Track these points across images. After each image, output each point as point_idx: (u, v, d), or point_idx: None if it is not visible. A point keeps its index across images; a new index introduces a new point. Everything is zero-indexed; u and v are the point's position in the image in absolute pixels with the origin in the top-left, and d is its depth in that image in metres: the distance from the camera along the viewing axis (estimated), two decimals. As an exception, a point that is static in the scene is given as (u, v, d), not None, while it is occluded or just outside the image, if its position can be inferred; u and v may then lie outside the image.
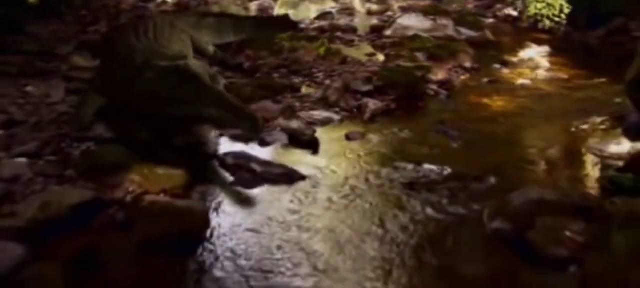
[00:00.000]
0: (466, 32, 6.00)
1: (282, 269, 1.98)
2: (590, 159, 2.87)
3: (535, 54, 5.37)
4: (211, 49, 4.66)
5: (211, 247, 2.12)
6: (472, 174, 2.65)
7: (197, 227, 2.21)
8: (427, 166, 2.77)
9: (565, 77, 4.61)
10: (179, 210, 2.28)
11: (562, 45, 5.72)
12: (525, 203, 2.20)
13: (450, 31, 5.87)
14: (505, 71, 4.78)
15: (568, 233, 2.03)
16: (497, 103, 3.95)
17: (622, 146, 3.00)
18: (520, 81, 4.50)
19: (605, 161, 2.85)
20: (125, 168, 2.54)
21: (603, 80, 4.35)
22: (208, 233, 2.20)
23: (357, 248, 2.10)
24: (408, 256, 2.06)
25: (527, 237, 2.08)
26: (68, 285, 1.90)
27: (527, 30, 6.44)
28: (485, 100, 4.00)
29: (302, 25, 5.97)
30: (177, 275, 1.96)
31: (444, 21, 6.07)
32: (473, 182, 2.59)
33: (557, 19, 5.89)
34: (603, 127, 3.33)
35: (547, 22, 6.05)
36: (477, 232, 2.21)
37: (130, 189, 2.42)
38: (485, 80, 4.48)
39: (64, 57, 4.46)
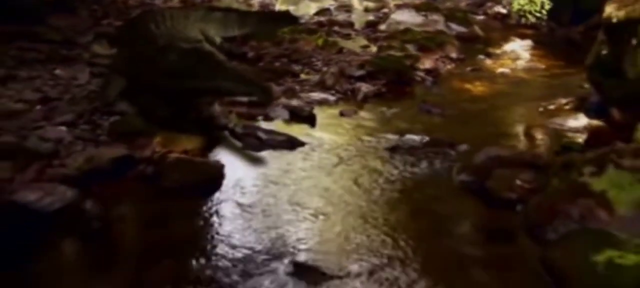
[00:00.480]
0: (456, 28, 6.49)
1: (281, 211, 2.46)
2: (550, 131, 3.35)
3: (518, 47, 5.87)
4: (218, 40, 5.15)
5: (223, 193, 2.60)
6: (446, 141, 3.14)
7: (212, 178, 2.70)
8: (409, 136, 3.26)
9: (543, 66, 5.11)
10: (197, 165, 2.78)
11: (544, 39, 6.22)
12: (485, 159, 2.69)
13: (441, 26, 6.36)
14: (488, 61, 5.28)
15: (518, 182, 2.51)
16: (477, 88, 4.44)
17: (580, 122, 3.50)
18: (501, 70, 4.99)
19: (563, 133, 3.34)
20: (150, 133, 3.03)
21: (576, 69, 4.83)
22: (222, 183, 2.69)
23: (346, 196, 2.58)
24: (388, 201, 2.55)
25: (486, 185, 2.56)
26: (108, 220, 2.37)
27: (515, 26, 6.94)
28: (467, 86, 4.49)
29: (302, 21, 6.46)
30: (195, 212, 2.44)
31: (435, 17, 6.56)
32: (447, 147, 3.07)
33: (538, 15, 6.38)
34: (567, 107, 3.82)
35: (530, 18, 6.55)
36: (447, 183, 2.69)
37: (156, 149, 2.91)
38: (468, 69, 4.98)
39: (84, 46, 4.96)
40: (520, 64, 5.22)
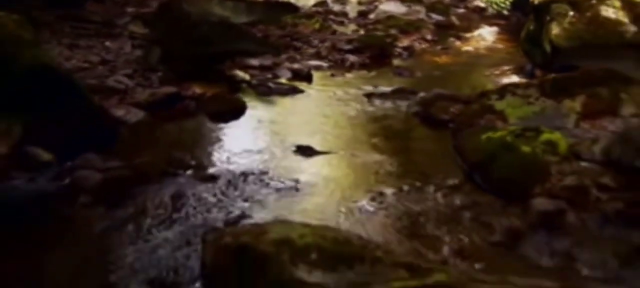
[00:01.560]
0: (435, 17, 7.76)
1: (287, 125, 3.68)
2: (487, 85, 4.58)
3: (486, 32, 7.12)
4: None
5: (246, 117, 3.83)
6: (409, 90, 4.37)
7: (238, 108, 3.92)
8: (381, 87, 4.50)
9: (501, 46, 6.35)
10: (227, 100, 4.01)
11: (510, 27, 7.45)
12: (431, 96, 3.93)
13: (422, 16, 7.63)
14: (457, 43, 6.53)
15: (451, 109, 3.74)
16: (443, 60, 5.69)
17: (512, 80, 4.73)
18: (466, 48, 6.25)
19: (498, 86, 4.56)
20: (190, 81, 4.25)
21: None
22: (245, 111, 3.91)
23: (332, 118, 3.82)
24: (362, 121, 3.78)
25: (429, 112, 3.80)
26: (166, 130, 3.59)
27: (489, 17, 8.19)
28: (435, 58, 5.74)
29: (302, 10, 7.71)
30: (229, 127, 3.66)
31: (417, 8, 7.84)
32: (408, 93, 4.30)
33: (503, 6, 7.65)
34: (508, 71, 5.06)
35: (499, 9, 7.82)
36: (404, 112, 3.92)
37: (196, 91, 4.13)
38: (439, 47, 6.23)
39: (122, 25, 6.20)
40: (483, 44, 6.47)
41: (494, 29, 7.33)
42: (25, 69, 2.97)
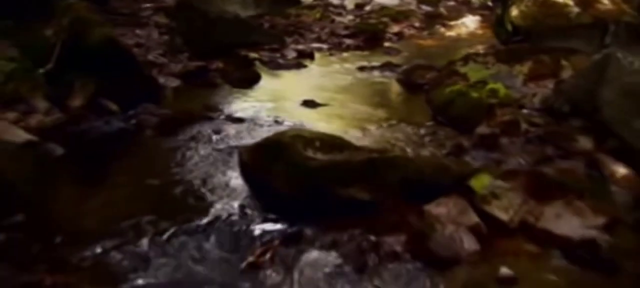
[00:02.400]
0: (425, 8, 8.76)
1: (294, 88, 4.67)
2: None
3: (469, 21, 8.10)
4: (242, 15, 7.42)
5: (261, 83, 4.82)
6: (395, 64, 5.36)
7: (254, 77, 4.92)
8: (372, 63, 5.49)
9: (480, 32, 7.34)
10: (246, 71, 5.01)
11: (491, 17, 8.43)
12: (411, 66, 4.93)
13: (413, 6, 8.63)
14: (442, 29, 7.52)
15: (427, 76, 4.73)
16: (428, 43, 6.68)
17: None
18: (449, 34, 7.24)
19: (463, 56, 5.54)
20: (214, 58, 5.24)
21: (502, 32, 7.06)
22: (260, 80, 4.91)
23: (331, 84, 4.81)
24: (354, 86, 4.77)
25: (409, 79, 4.78)
26: (198, 92, 4.57)
27: (475, 9, 9.18)
28: (420, 42, 6.73)
29: (304, 3, 8.72)
30: (250, 89, 4.65)
31: (409, 0, 8.84)
32: (394, 66, 5.29)
33: (484, -2, 8.66)
34: (482, 51, 6.03)
35: (485, 1, 8.82)
36: (390, 80, 4.91)
37: (219, 65, 5.12)
38: (425, 33, 7.23)
39: (147, 17, 7.21)
40: (465, 30, 7.46)
41: (477, 18, 8.30)
42: (95, 42, 3.98)
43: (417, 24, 7.58)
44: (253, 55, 5.71)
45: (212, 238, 2.35)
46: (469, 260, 2.24)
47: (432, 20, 8.03)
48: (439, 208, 2.47)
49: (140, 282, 2.05)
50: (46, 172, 2.98)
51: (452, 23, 7.92)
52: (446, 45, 6.50)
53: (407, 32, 7.24)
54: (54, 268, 2.12)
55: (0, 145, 3.09)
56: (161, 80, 4.59)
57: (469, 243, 2.31)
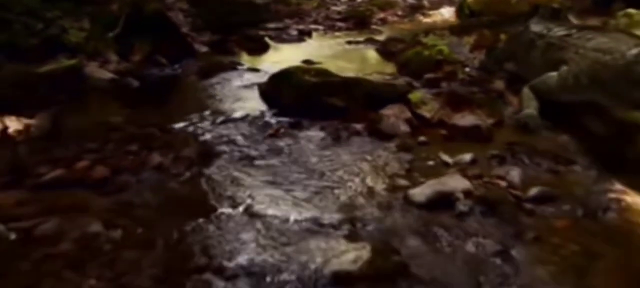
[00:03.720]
0: (410, 1, 10.35)
1: (295, 55, 6.24)
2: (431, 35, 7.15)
3: (446, 11, 9.68)
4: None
5: (270, 52, 6.40)
6: (376, 40, 6.95)
7: (264, 47, 6.51)
8: (359, 39, 7.07)
9: (453, 20, 8.91)
10: (258, 42, 6.59)
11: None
12: (386, 39, 6.52)
13: (398, -1, 10.22)
14: (421, 17, 9.11)
15: (398, 46, 6.31)
16: (407, 26, 8.27)
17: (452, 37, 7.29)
18: (426, 20, 8.82)
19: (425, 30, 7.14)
20: (230, 34, 6.81)
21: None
22: (268, 49, 6.49)
23: (325, 51, 6.39)
24: (343, 54, 6.35)
25: (385, 48, 6.37)
26: (222, 55, 6.15)
27: (455, 2, 10.77)
28: (401, 26, 8.32)
29: (304, -5, 10.32)
30: (261, 55, 6.23)
31: (396, -7, 10.42)
32: (376, 42, 6.88)
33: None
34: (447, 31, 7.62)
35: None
36: (371, 50, 6.50)
37: (235, 39, 6.69)
38: (406, 19, 8.82)
39: (172, 3, 8.79)
40: (440, 18, 9.05)
41: (454, 8, 9.89)
42: (150, 14, 5.55)
43: (399, 13, 9.17)
44: (262, 33, 7.29)
45: (246, 124, 3.92)
46: (403, 136, 3.79)
47: (414, 10, 9.62)
48: (387, 110, 4.04)
49: (207, 139, 3.61)
50: (130, 94, 4.55)
51: (431, 12, 9.51)
52: (420, 28, 8.06)
53: (390, 18, 8.83)
54: (148, 140, 3.66)
55: (96, 80, 4.67)
56: (195, 46, 6.16)
57: (404, 128, 3.87)
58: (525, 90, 4.24)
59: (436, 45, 5.51)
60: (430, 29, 7.97)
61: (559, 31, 4.25)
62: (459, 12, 7.53)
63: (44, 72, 4.43)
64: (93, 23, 5.65)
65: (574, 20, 6.16)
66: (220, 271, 2.24)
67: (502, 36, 6.01)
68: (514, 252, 2.49)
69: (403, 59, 5.57)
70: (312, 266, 2.29)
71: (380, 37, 7.30)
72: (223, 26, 7.15)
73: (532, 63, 4.57)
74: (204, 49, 6.24)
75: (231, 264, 2.28)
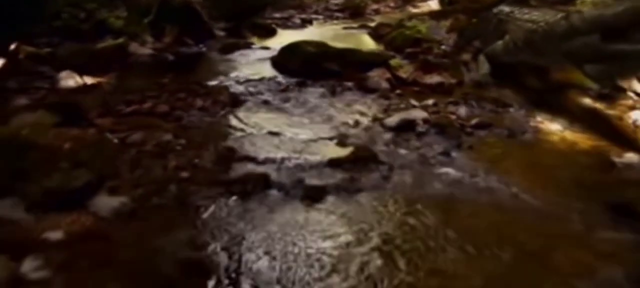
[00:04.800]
0: (401, -6, 11.59)
1: (298, 36, 7.48)
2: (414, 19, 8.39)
3: (433, 3, 10.92)
4: None
5: (278, 35, 7.65)
6: (369, 26, 8.20)
7: (272, 31, 7.77)
8: (353, 25, 8.32)
9: (437, 8, 10.16)
10: (266, 29, 7.85)
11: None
12: (377, 24, 7.77)
13: (391, -7, 11.47)
14: (410, 8, 10.37)
15: (386, 30, 7.55)
16: (396, 15, 9.51)
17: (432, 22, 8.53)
18: (414, 11, 10.07)
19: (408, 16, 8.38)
20: (241, 22, 8.07)
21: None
22: (276, 33, 7.75)
23: (324, 33, 7.64)
24: (338, 36, 7.59)
25: (376, 32, 7.62)
26: (237, 38, 7.40)
27: (443, -5, 12.01)
28: (392, 15, 9.57)
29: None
30: (268, 37, 7.48)
31: (388, -12, 11.68)
32: (368, 28, 8.12)
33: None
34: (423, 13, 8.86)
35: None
36: (363, 34, 7.75)
37: (246, 25, 7.95)
38: (397, 10, 10.07)
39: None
40: (427, 9, 10.30)
41: (434, 2, 11.14)
42: (178, 4, 6.80)
43: (392, 4, 10.43)
44: (269, 21, 8.55)
45: (263, 83, 5.16)
46: (384, 90, 5.02)
47: (405, 1, 10.89)
48: (372, 73, 5.28)
49: (234, 91, 4.84)
50: (168, 64, 5.81)
51: (420, 4, 10.76)
52: (408, 17, 9.32)
53: (383, 9, 10.09)
54: (191, 92, 4.90)
55: (139, 55, 5.92)
56: (214, 31, 7.42)
57: (385, 85, 5.11)
58: (481, 57, 5.48)
59: (416, 27, 6.75)
60: (415, 17, 9.24)
61: (506, 9, 5.49)
62: (441, 1, 8.77)
63: (99, 48, 5.69)
64: (129, 12, 6.89)
65: (535, 4, 7.41)
66: (253, 160, 3.46)
67: (474, 20, 7.26)
68: (453, 154, 3.71)
69: (389, 38, 6.82)
70: (315, 158, 3.52)
71: (372, 24, 8.55)
72: (235, 16, 8.38)
73: (489, 37, 5.80)
74: (221, 33, 7.49)
75: (260, 157, 3.51)
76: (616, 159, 3.59)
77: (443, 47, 6.65)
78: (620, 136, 4.05)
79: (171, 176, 3.19)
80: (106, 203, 2.82)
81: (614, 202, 2.90)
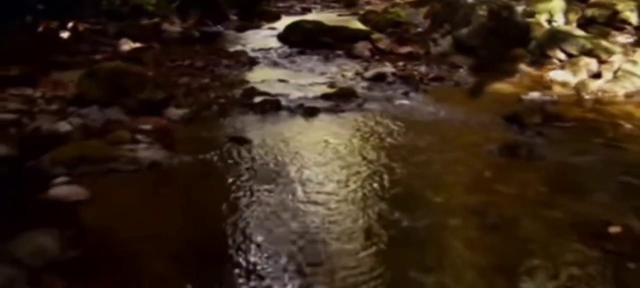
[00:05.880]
0: (391, -12, 13.21)
1: (300, 17, 9.10)
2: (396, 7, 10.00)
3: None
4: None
5: (282, 19, 9.25)
6: (360, 13, 9.81)
7: (276, 16, 9.37)
8: (346, 13, 9.93)
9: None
10: (272, 14, 9.45)
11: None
12: (367, 11, 9.37)
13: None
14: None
15: (373, 16, 9.15)
16: (382, 6, 11.11)
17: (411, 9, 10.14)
18: (402, 2, 11.67)
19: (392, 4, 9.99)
20: (251, 9, 9.67)
21: None
22: (280, 17, 9.36)
23: (321, 17, 9.25)
24: (332, 20, 9.19)
25: (365, 18, 9.22)
26: (248, 21, 9.01)
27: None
28: (382, 6, 11.16)
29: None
30: (275, 21, 9.08)
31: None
32: (357, 14, 9.73)
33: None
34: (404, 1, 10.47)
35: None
36: (354, 19, 9.35)
37: (254, 12, 9.55)
38: (387, 2, 11.67)
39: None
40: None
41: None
42: (199, -9, 8.42)
43: (382, -4, 12.03)
44: (274, 9, 10.15)
45: (272, 51, 6.76)
46: (366, 57, 6.62)
47: (394, -5, 12.48)
48: (358, 44, 6.88)
49: (251, 56, 6.44)
50: (195, 39, 7.40)
51: (407, -4, 12.36)
52: (392, 5, 10.94)
53: (374, 0, 11.69)
54: (218, 54, 6.47)
55: (170, 33, 7.51)
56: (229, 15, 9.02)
57: (367, 53, 6.72)
58: (448, 37, 7.08)
59: (397, 12, 8.35)
60: (398, 5, 10.86)
61: (470, 1, 7.09)
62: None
63: (141, 24, 7.30)
64: (158, -2, 8.50)
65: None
66: (268, 94, 5.04)
67: (446, 8, 8.86)
68: (411, 94, 5.30)
69: (374, 22, 8.42)
70: (312, 93, 5.10)
71: (362, 12, 10.17)
72: (245, 3, 9.98)
73: (457, 22, 7.40)
74: (234, 17, 9.09)
75: (273, 92, 5.08)
76: (524, 97, 5.18)
77: (419, 28, 8.26)
78: (538, 86, 5.65)
79: (212, 101, 4.78)
80: (174, 112, 4.40)
81: (507, 114, 4.48)
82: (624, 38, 7.13)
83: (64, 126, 4.02)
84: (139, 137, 3.88)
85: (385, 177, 3.41)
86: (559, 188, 3.33)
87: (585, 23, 7.48)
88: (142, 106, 4.28)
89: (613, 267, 2.49)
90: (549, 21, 7.60)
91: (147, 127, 4.10)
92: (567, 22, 7.62)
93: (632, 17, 7.35)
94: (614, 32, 7.24)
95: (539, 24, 7.38)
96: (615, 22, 7.39)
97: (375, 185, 3.30)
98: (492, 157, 3.80)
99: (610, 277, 2.43)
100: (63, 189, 3.06)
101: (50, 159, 3.41)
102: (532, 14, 7.70)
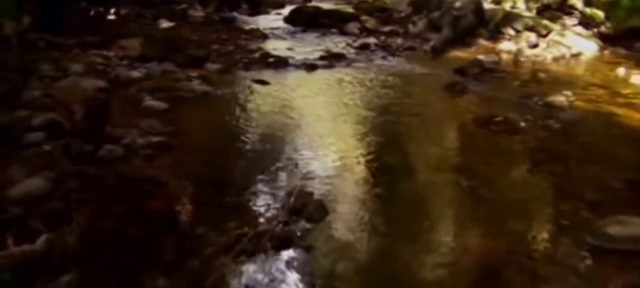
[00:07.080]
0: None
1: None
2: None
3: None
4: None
5: (286, 9, 11.05)
6: (352, 2, 11.61)
7: (282, 5, 11.17)
8: (342, 5, 11.73)
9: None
10: (278, 4, 11.26)
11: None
12: (359, 1, 11.19)
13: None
14: (389, -8, 13.79)
15: (364, 4, 10.96)
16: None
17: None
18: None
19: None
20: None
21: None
22: (285, 5, 11.16)
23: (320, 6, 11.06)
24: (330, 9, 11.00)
25: (357, 6, 11.03)
26: (256, 10, 10.81)
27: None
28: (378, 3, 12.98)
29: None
30: (279, 10, 10.89)
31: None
32: (351, 3, 11.53)
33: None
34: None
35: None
36: (348, 7, 11.15)
37: (259, 3, 11.35)
38: (377, -7, 13.49)
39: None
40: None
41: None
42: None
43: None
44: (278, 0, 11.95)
45: (280, 30, 8.57)
46: (356, 34, 8.42)
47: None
48: (349, 24, 8.69)
49: (263, 32, 8.24)
50: (216, 22, 9.21)
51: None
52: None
53: (367, -7, 13.49)
54: (237, 32, 8.27)
55: (194, 17, 9.33)
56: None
57: (356, 31, 8.53)
58: (424, 19, 8.89)
59: (384, 0, 10.16)
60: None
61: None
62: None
63: (172, 9, 9.10)
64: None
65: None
66: (279, 56, 6.82)
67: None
68: (389, 58, 7.10)
69: (364, 8, 10.21)
70: (312, 55, 6.90)
71: (356, 1, 11.96)
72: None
73: (433, 8, 9.21)
74: (245, 6, 10.88)
75: (283, 55, 6.86)
76: (481, 59, 6.98)
77: (402, 14, 10.06)
78: (489, 53, 7.44)
79: (238, 60, 6.59)
80: (212, 66, 6.20)
81: (457, 68, 6.27)
82: (570, 20, 8.96)
83: (134, 73, 5.82)
84: (191, 78, 5.68)
85: (363, 99, 5.24)
86: (474, 105, 5.16)
87: (542, 9, 9.31)
88: (189, 60, 6.07)
89: (493, 138, 4.29)
90: (512, 8, 9.42)
91: (194, 74, 5.89)
92: (528, 9, 9.45)
93: (578, 4, 9.16)
94: (564, 16, 9.06)
95: (503, 10, 9.20)
96: (565, 8, 9.21)
97: (357, 102, 5.12)
98: (439, 91, 5.61)
99: (491, 143, 4.23)
100: (152, 102, 4.84)
101: (136, 89, 5.20)
102: (498, 2, 9.53)
